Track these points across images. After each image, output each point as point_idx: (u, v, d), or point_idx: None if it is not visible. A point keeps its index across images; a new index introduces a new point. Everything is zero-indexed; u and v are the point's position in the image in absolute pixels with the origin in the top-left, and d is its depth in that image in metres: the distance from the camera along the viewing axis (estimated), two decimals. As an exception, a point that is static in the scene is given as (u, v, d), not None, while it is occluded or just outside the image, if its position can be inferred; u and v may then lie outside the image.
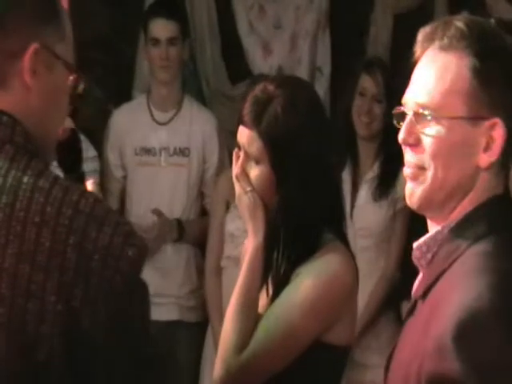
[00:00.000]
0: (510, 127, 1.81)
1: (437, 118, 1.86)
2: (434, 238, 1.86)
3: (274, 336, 2.56)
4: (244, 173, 2.61)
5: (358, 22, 5.33)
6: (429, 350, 1.67)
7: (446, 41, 1.85)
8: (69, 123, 2.22)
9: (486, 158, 1.81)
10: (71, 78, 1.97)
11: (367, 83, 4.38)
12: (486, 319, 1.64)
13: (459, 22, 1.85)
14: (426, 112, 1.86)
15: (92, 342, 1.80)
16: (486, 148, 1.81)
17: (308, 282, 2.55)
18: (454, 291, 1.73)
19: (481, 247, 1.78)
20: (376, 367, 4.08)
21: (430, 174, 1.87)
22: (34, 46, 1.86)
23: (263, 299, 2.67)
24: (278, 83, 2.66)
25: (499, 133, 1.80)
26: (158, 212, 4.51)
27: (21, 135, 1.87)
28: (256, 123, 2.55)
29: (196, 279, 4.59)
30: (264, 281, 2.69)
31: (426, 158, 1.87)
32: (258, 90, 2.64)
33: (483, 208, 1.85)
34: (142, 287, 1.89)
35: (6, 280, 1.77)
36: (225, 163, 4.69)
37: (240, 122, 2.61)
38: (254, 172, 2.59)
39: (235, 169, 2.62)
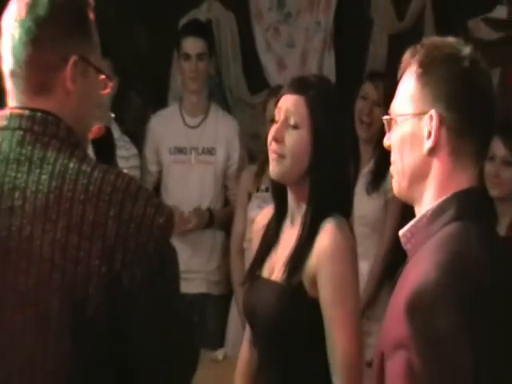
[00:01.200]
0: (448, 116, 1.82)
1: (395, 120, 1.91)
2: (415, 225, 1.87)
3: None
4: (281, 135, 2.56)
5: (358, 41, 5.30)
6: (394, 322, 1.71)
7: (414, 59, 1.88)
8: (108, 123, 2.26)
9: (427, 144, 1.82)
10: (101, 80, 1.99)
11: (369, 89, 4.37)
12: (430, 293, 1.64)
13: (427, 44, 1.90)
14: (392, 117, 1.93)
15: (131, 299, 1.82)
16: (428, 136, 1.81)
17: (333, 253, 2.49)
18: (414, 268, 1.76)
19: (445, 230, 1.79)
20: (376, 334, 4.22)
21: (394, 167, 1.92)
22: (73, 59, 1.88)
23: (274, 262, 2.65)
24: (316, 76, 2.71)
25: (435, 121, 1.80)
26: (197, 208, 4.55)
27: (64, 130, 1.89)
28: (305, 91, 2.55)
29: (221, 257, 4.65)
30: (275, 242, 2.67)
31: (393, 155, 1.93)
32: (302, 74, 2.66)
33: (454, 198, 1.83)
34: (172, 251, 1.94)
35: (58, 249, 1.79)
36: (245, 161, 4.75)
37: (287, 90, 2.60)
38: (292, 136, 2.55)
39: (274, 131, 2.57)
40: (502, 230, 3.84)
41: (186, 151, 4.64)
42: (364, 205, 4.21)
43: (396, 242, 4.03)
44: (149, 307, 1.85)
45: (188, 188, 4.65)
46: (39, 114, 1.89)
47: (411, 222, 1.87)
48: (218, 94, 5.13)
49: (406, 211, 2.00)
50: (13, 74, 1.92)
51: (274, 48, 5.40)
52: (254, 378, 2.73)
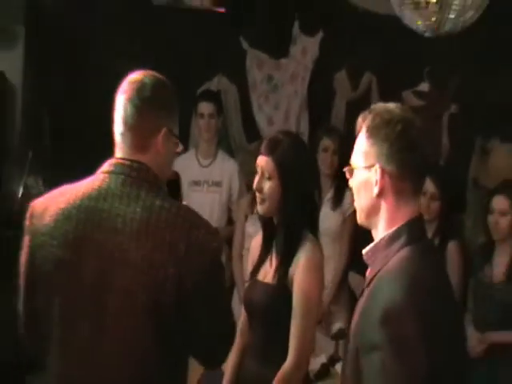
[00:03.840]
0: (389, 168, 1.79)
1: (353, 170, 1.90)
2: (376, 246, 1.84)
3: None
4: (260, 186, 2.55)
5: (325, 106, 5.33)
6: (369, 328, 1.68)
7: (364, 124, 1.87)
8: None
9: (375, 190, 1.80)
10: (176, 143, 2.05)
11: (328, 143, 4.28)
12: (398, 310, 1.63)
13: (373, 111, 1.87)
14: (351, 168, 1.91)
15: (191, 296, 1.88)
16: (375, 184, 1.80)
17: (304, 262, 2.48)
18: (383, 289, 1.72)
19: (402, 253, 1.76)
20: (337, 313, 4.15)
21: (355, 203, 1.92)
22: (164, 130, 1.97)
23: (267, 269, 2.62)
24: (284, 133, 2.67)
25: (380, 173, 1.79)
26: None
27: (152, 177, 1.96)
28: (272, 153, 2.52)
29: (224, 262, 4.34)
30: (266, 255, 2.65)
31: (354, 195, 1.92)
32: (273, 135, 2.66)
33: (402, 229, 1.80)
34: (221, 266, 2.02)
35: (146, 260, 1.85)
36: (243, 191, 4.68)
37: (262, 151, 2.56)
38: (267, 185, 2.53)
39: (255, 184, 2.57)
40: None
41: (200, 183, 4.63)
42: (328, 221, 4.15)
43: (351, 248, 4.19)
44: (202, 301, 1.91)
45: (201, 210, 4.31)
46: (136, 164, 1.95)
47: (372, 244, 1.87)
48: (224, 143, 5.12)
49: (360, 227, 2.03)
50: (122, 135, 1.99)
51: (265, 110, 5.40)
52: (246, 351, 2.71)
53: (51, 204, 1.98)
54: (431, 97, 5.18)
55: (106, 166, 1.99)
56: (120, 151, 2.00)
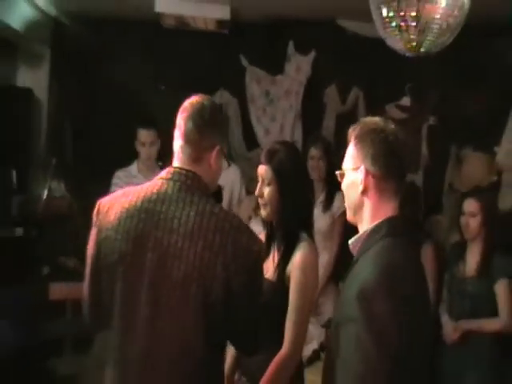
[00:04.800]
0: (372, 169, 1.86)
1: (344, 173, 1.95)
2: (359, 237, 1.90)
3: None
4: (261, 192, 2.54)
5: (316, 118, 5.29)
6: (347, 304, 1.71)
7: (353, 134, 1.93)
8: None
9: (360, 188, 1.87)
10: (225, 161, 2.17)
11: (314, 152, 4.25)
12: (372, 289, 1.67)
13: (361, 123, 1.94)
14: (342, 172, 1.96)
15: (237, 292, 1.93)
16: (360, 183, 1.87)
17: (300, 261, 2.44)
18: (361, 271, 1.76)
19: (380, 244, 1.81)
20: (326, 305, 4.08)
21: (346, 203, 1.97)
22: (217, 148, 2.06)
23: (268, 266, 2.58)
24: (280, 143, 2.64)
25: (364, 173, 1.86)
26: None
27: (204, 186, 2.03)
28: (270, 161, 2.52)
29: None
30: (268, 254, 2.61)
31: (344, 195, 1.97)
32: (271, 145, 2.64)
33: (383, 223, 1.85)
34: (261, 266, 2.06)
35: (197, 258, 1.91)
36: (243, 194, 4.64)
37: (262, 160, 2.56)
38: (267, 191, 2.52)
39: (257, 190, 2.56)
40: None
41: None
42: (320, 221, 4.02)
43: (340, 246, 4.18)
44: (244, 295, 1.96)
45: None
46: (191, 173, 2.02)
47: (356, 235, 1.92)
48: (226, 151, 5.09)
49: (348, 227, 2.05)
50: (181, 148, 2.05)
51: (262, 121, 5.36)
52: None
53: (115, 203, 2.05)
54: (412, 110, 5.16)
55: (165, 173, 2.05)
56: (178, 161, 2.07)
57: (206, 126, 2.04)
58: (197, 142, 2.04)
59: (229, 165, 2.54)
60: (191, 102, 2.09)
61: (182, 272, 1.91)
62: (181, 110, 2.09)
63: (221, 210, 2.00)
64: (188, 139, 2.04)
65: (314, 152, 4.31)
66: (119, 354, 2.01)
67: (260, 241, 2.05)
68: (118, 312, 2.00)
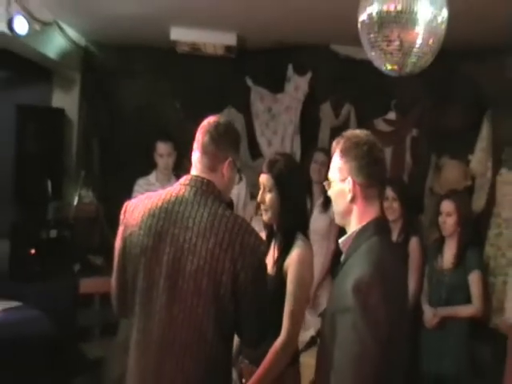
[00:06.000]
0: (357, 181, 1.86)
1: (331, 183, 1.96)
2: (349, 237, 1.89)
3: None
4: (263, 198, 2.52)
5: (313, 131, 5.23)
6: (343, 295, 1.70)
7: (338, 147, 1.93)
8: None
9: (348, 197, 1.87)
10: (236, 171, 2.17)
11: (318, 157, 4.29)
12: (366, 282, 1.67)
13: (344, 137, 1.92)
14: (329, 181, 1.96)
15: (244, 286, 1.94)
16: (349, 192, 1.87)
17: (296, 257, 2.40)
18: (354, 266, 1.75)
19: (368, 243, 1.81)
20: (323, 296, 4.07)
21: (334, 208, 1.97)
22: (229, 160, 2.07)
23: (270, 261, 2.52)
24: (280, 154, 2.60)
25: (352, 183, 1.86)
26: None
27: (217, 191, 2.04)
28: (270, 170, 2.49)
29: None
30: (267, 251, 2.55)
31: (332, 202, 1.97)
32: (271, 156, 2.61)
33: (370, 224, 1.85)
34: (265, 264, 2.04)
35: (209, 254, 1.92)
36: (248, 198, 4.61)
37: (263, 169, 2.53)
38: (268, 197, 2.50)
39: (259, 196, 2.54)
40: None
41: None
42: (318, 222, 4.15)
43: (337, 244, 4.11)
44: (251, 288, 1.95)
45: None
46: (206, 180, 2.04)
47: (346, 235, 1.92)
48: (239, 165, 5.05)
49: (343, 227, 2.05)
50: (199, 158, 2.08)
51: (265, 134, 5.33)
52: None
53: (140, 204, 2.07)
54: (397, 124, 5.12)
55: (184, 179, 2.07)
56: (195, 170, 2.09)
57: (221, 139, 2.06)
58: (212, 153, 2.05)
59: (240, 179, 2.51)
60: (209, 120, 2.11)
61: (195, 265, 1.92)
62: (200, 127, 2.10)
63: (231, 214, 2.00)
64: (205, 151, 2.06)
65: (318, 156, 4.32)
66: (141, 336, 2.03)
67: (264, 242, 2.05)
68: (140, 299, 2.02)
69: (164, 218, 1.99)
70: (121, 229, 2.10)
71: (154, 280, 1.98)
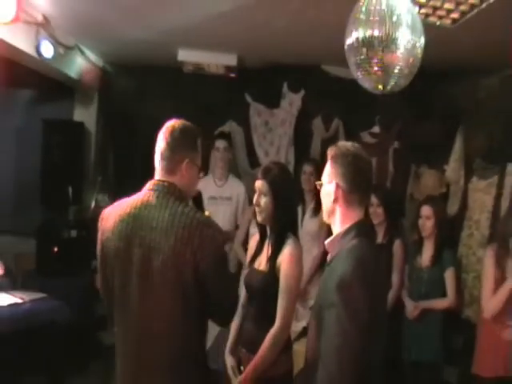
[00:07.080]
0: (340, 185, 1.85)
1: (322, 184, 1.94)
2: (334, 239, 1.88)
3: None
4: (258, 202, 2.50)
5: (305, 143, 5.21)
6: (329, 292, 1.69)
7: (329, 155, 1.91)
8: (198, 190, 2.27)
9: (331, 198, 1.86)
10: (199, 170, 2.09)
11: (307, 168, 4.28)
12: (348, 279, 1.65)
13: (335, 147, 1.91)
14: (320, 184, 1.94)
15: (205, 274, 1.91)
16: (332, 194, 1.86)
17: (287, 257, 2.39)
18: (338, 265, 1.74)
19: (352, 243, 1.80)
20: (313, 295, 4.01)
21: (323, 208, 1.95)
22: (187, 161, 2.02)
23: (261, 260, 2.55)
24: (274, 163, 2.57)
25: (335, 186, 1.85)
26: (227, 232, 4.28)
27: (178, 192, 2.01)
28: (265, 177, 2.48)
29: (231, 254, 4.48)
30: (261, 249, 2.59)
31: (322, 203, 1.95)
32: (267, 164, 2.59)
33: (354, 225, 1.84)
34: (224, 252, 2.00)
35: (171, 249, 1.89)
36: (247, 204, 4.55)
37: (259, 175, 2.51)
38: (264, 200, 2.48)
39: (254, 200, 2.51)
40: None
41: (215, 198, 4.50)
42: (310, 225, 4.17)
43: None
44: (213, 276, 1.93)
45: (216, 218, 4.10)
46: (167, 183, 2.01)
47: (331, 237, 1.90)
48: (233, 169, 5.00)
49: (331, 229, 2.02)
50: (159, 162, 2.05)
51: (263, 145, 5.30)
52: (246, 318, 2.63)
53: (113, 212, 2.06)
54: (381, 136, 5.11)
55: (148, 184, 2.05)
56: (157, 174, 2.06)
57: (175, 143, 2.00)
58: (169, 158, 2.01)
59: (205, 174, 2.39)
60: (166, 125, 2.05)
61: (160, 261, 1.90)
62: (160, 132, 2.05)
63: (191, 210, 1.96)
64: (162, 156, 2.02)
65: (306, 168, 4.32)
66: (120, 329, 2.03)
67: (223, 233, 2.01)
68: (118, 295, 2.01)
69: (132, 222, 1.97)
70: (99, 234, 2.08)
71: (127, 278, 1.96)
